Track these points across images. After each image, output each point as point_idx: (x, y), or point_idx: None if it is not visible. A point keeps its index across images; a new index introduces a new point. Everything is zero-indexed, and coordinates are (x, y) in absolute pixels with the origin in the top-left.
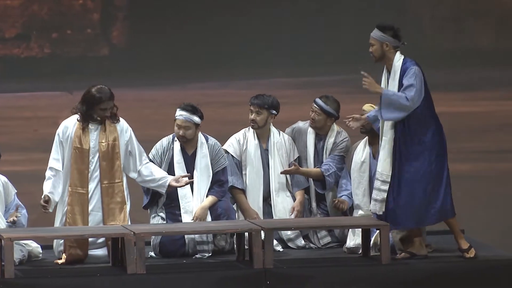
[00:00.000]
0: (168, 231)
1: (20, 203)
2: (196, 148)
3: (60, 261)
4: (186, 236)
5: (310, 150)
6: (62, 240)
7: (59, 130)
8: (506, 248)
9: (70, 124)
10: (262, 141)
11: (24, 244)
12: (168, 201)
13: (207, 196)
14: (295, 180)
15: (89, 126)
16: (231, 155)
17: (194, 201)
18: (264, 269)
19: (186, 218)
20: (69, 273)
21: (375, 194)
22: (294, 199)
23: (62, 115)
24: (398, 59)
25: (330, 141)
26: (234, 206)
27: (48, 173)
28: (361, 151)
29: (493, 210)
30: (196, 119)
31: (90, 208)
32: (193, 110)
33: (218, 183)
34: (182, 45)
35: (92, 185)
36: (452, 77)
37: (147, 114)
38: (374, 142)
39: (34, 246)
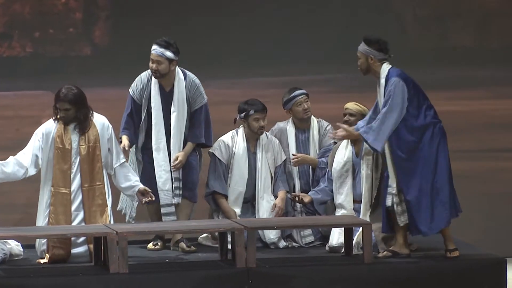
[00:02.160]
0: (150, 230)
1: None
2: (173, 85)
3: (42, 261)
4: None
5: (292, 148)
6: (45, 240)
7: (38, 130)
8: (489, 247)
9: (52, 125)
10: (251, 144)
11: (4, 242)
12: (146, 141)
13: (185, 137)
14: (277, 184)
15: (69, 126)
16: (218, 158)
17: (172, 137)
18: (246, 268)
19: (157, 156)
20: (52, 272)
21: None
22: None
23: (44, 115)
24: (383, 72)
25: (314, 132)
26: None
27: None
28: (344, 150)
29: (476, 209)
30: (169, 54)
31: (73, 208)
32: (166, 45)
33: (195, 125)
34: None
35: (74, 186)
36: (434, 77)
37: None
38: (356, 141)
39: (14, 244)
